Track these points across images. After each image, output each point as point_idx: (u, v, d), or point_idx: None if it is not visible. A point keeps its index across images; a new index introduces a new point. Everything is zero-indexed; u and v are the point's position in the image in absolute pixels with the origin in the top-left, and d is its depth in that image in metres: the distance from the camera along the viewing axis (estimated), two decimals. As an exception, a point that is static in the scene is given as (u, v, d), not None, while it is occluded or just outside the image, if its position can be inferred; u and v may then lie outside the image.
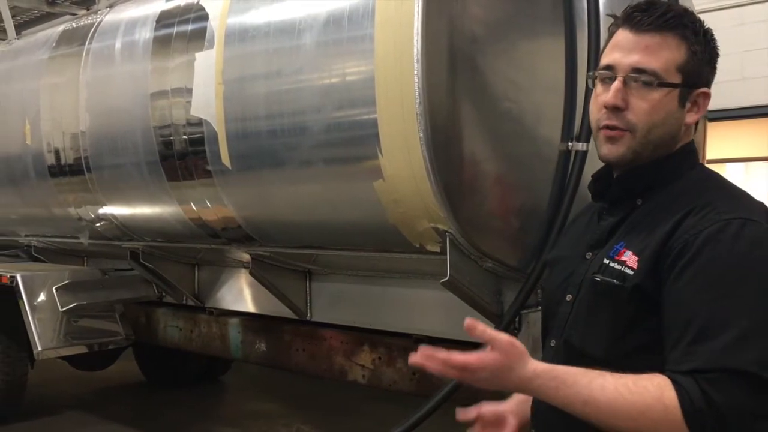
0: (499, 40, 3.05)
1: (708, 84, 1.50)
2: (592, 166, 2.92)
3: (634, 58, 1.45)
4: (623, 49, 1.47)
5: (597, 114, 1.51)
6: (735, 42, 7.01)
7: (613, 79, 1.47)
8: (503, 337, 1.34)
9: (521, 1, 3.13)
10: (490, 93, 3.01)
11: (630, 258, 1.43)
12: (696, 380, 1.27)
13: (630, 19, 1.47)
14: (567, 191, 3.07)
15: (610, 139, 1.48)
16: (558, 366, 1.38)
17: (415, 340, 3.73)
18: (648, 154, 1.49)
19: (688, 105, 1.48)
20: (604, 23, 3.07)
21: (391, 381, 3.82)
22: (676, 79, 1.45)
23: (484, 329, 1.34)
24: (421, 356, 1.37)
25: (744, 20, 7.39)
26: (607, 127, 1.48)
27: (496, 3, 3.06)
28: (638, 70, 1.45)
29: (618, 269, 1.44)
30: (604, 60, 1.50)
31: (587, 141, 3.05)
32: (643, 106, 1.45)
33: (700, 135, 4.27)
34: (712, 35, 1.51)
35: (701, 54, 1.47)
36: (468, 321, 1.34)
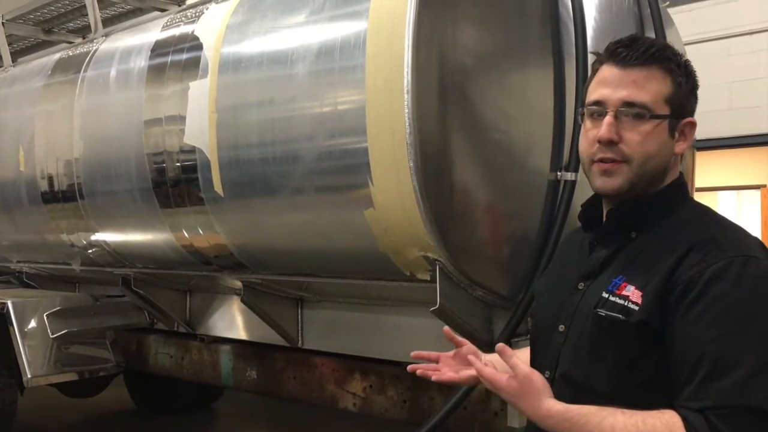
0: (489, 71, 3.09)
1: (692, 113, 1.53)
2: (581, 195, 2.96)
3: (623, 93, 1.48)
4: (611, 85, 1.50)
5: (589, 149, 1.53)
6: (723, 73, 7.13)
7: (603, 114, 1.50)
8: (523, 369, 1.46)
9: (511, 33, 3.18)
10: (480, 123, 3.05)
11: (633, 293, 1.44)
12: (706, 417, 1.29)
13: (615, 55, 1.51)
14: (556, 220, 3.11)
15: (606, 172, 1.51)
16: (572, 406, 1.42)
17: (405, 368, 3.73)
18: (643, 185, 1.51)
19: (676, 135, 1.52)
20: (592, 55, 3.12)
21: (383, 409, 3.81)
22: (665, 110, 1.49)
23: (511, 355, 1.47)
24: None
25: (731, 51, 7.50)
26: (601, 160, 1.51)
27: (485, 35, 3.11)
28: (628, 104, 1.48)
29: (621, 304, 1.45)
30: (593, 96, 1.53)
31: (576, 171, 3.09)
32: (636, 138, 1.48)
33: (689, 164, 4.32)
34: (692, 67, 1.55)
35: (685, 85, 1.51)
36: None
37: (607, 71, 1.52)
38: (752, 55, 7.41)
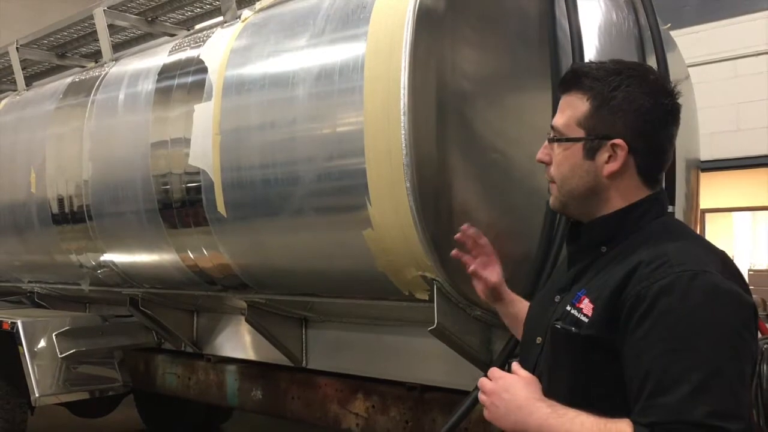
0: (487, 94, 3.12)
1: (628, 135, 1.51)
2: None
3: (554, 118, 1.60)
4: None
5: None
6: (730, 94, 7.11)
7: None
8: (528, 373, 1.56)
9: (508, 56, 3.22)
10: (478, 144, 3.08)
11: (586, 305, 1.48)
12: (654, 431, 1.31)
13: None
14: (555, 240, 3.12)
15: (550, 192, 1.62)
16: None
17: (408, 388, 3.75)
18: (574, 204, 1.58)
19: (605, 156, 1.52)
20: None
21: (385, 429, 3.81)
22: (578, 133, 1.54)
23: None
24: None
25: (738, 72, 7.49)
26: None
27: (483, 58, 3.14)
28: (552, 128, 1.59)
29: (575, 316, 1.49)
30: None
31: (574, 191, 3.09)
32: (555, 160, 1.58)
33: (693, 185, 4.32)
34: (649, 88, 1.53)
35: (610, 107, 1.51)
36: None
37: None
38: (759, 76, 7.39)
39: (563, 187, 1.57)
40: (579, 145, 1.53)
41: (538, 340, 1.61)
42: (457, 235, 1.99)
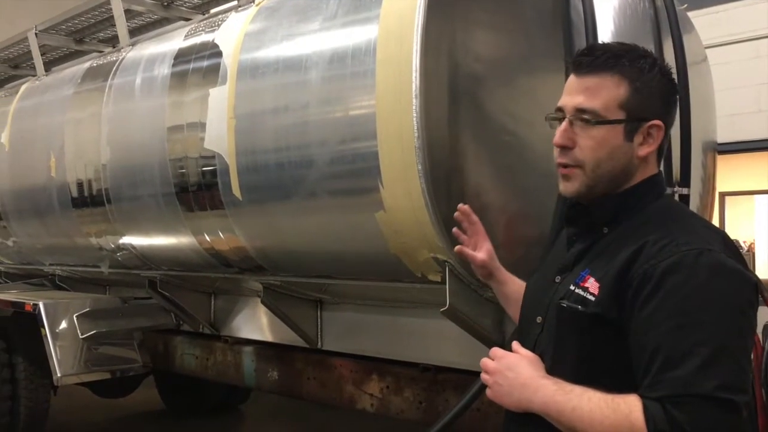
0: (499, 76, 3.12)
1: (661, 116, 1.56)
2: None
3: (577, 100, 1.55)
4: (570, 92, 1.57)
5: (554, 153, 1.61)
6: (751, 75, 7.01)
7: (562, 120, 1.57)
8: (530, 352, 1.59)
9: (521, 36, 3.21)
10: (490, 127, 3.09)
11: (592, 284, 1.50)
12: (663, 405, 1.34)
13: (575, 64, 1.59)
14: (567, 222, 3.12)
15: (565, 177, 1.59)
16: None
17: (421, 370, 3.78)
18: (602, 187, 1.57)
19: (640, 138, 1.55)
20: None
21: (399, 410, 3.86)
22: (619, 115, 1.53)
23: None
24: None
25: (760, 53, 7.37)
26: (560, 164, 1.58)
27: (495, 40, 3.14)
28: (580, 110, 1.54)
29: (581, 295, 1.51)
30: (558, 104, 1.60)
31: (585, 173, 3.09)
32: (587, 143, 1.54)
33: (710, 168, 4.29)
34: (665, 70, 1.58)
35: (648, 89, 1.54)
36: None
37: (570, 80, 1.60)
38: (782, 56, 7.30)
39: (597, 170, 1.54)
40: (620, 128, 1.54)
41: (539, 319, 1.64)
42: (456, 214, 2.04)
